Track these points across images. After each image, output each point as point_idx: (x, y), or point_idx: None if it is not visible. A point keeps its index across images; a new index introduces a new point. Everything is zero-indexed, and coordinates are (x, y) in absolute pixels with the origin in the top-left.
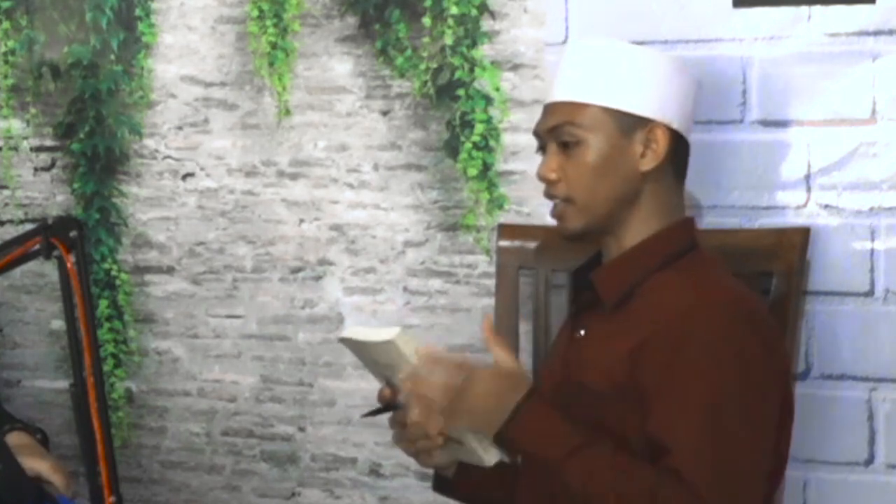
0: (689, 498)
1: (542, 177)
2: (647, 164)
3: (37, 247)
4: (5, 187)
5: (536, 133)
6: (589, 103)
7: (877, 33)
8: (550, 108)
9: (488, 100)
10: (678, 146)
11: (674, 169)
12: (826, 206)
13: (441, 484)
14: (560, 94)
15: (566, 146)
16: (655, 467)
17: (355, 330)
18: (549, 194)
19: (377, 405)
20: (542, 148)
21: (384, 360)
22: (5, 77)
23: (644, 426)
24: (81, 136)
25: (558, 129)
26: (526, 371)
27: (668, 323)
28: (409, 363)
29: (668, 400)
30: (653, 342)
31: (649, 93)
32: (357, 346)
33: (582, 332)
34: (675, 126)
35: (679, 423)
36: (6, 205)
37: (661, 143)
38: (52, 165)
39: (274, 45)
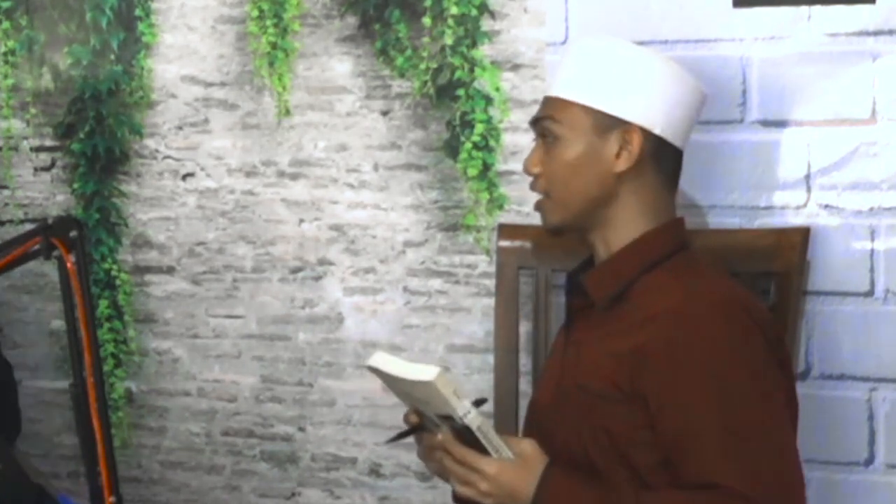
0: None
1: (524, 169)
2: (621, 165)
3: (37, 247)
4: (5, 187)
5: (530, 123)
6: (573, 101)
7: (877, 33)
8: (543, 101)
9: (488, 100)
10: (660, 151)
11: (656, 173)
12: (826, 206)
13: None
14: (553, 90)
15: (547, 140)
16: (688, 488)
17: (384, 358)
18: (532, 186)
19: (402, 426)
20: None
21: (419, 395)
22: (5, 77)
23: (655, 435)
24: (81, 136)
25: (541, 122)
26: (532, 448)
27: (665, 324)
28: (447, 403)
29: (681, 408)
30: (652, 346)
31: (631, 96)
32: (388, 378)
33: (577, 335)
34: (657, 131)
35: (697, 430)
36: (6, 205)
37: (635, 145)
38: (52, 165)
39: (274, 45)
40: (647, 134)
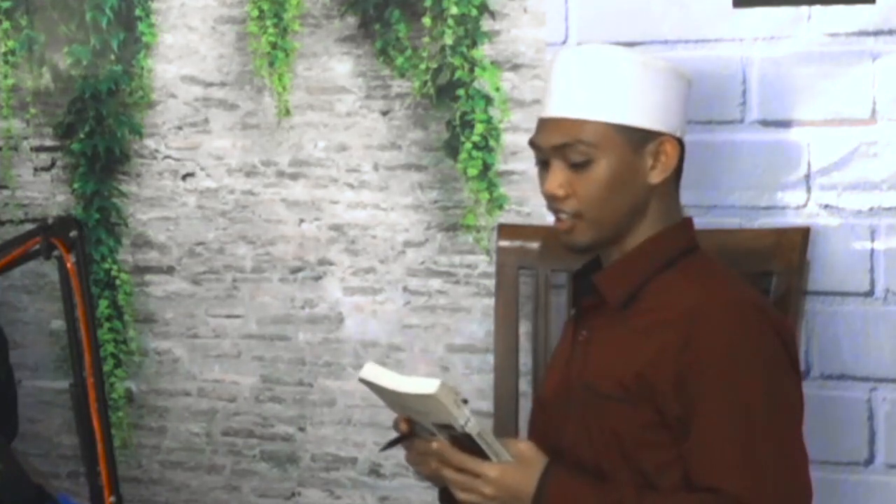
0: None
1: (549, 194)
2: (657, 176)
3: (37, 247)
4: (5, 187)
5: (535, 146)
6: (595, 120)
7: (877, 33)
8: (552, 124)
9: (488, 100)
10: (682, 155)
11: (675, 176)
12: (826, 206)
13: (447, 497)
14: (562, 110)
15: (575, 163)
16: (692, 490)
17: (376, 371)
18: (555, 209)
19: (394, 434)
20: (543, 162)
21: (416, 406)
22: (5, 77)
23: (677, 444)
24: (81, 136)
25: (566, 148)
26: (530, 449)
27: (681, 328)
28: (448, 413)
29: (695, 410)
30: (668, 350)
31: (655, 106)
32: (381, 390)
33: (584, 334)
34: (678, 134)
35: (708, 433)
36: (6, 205)
37: (672, 155)
38: (52, 165)
39: (274, 45)
40: (676, 141)
